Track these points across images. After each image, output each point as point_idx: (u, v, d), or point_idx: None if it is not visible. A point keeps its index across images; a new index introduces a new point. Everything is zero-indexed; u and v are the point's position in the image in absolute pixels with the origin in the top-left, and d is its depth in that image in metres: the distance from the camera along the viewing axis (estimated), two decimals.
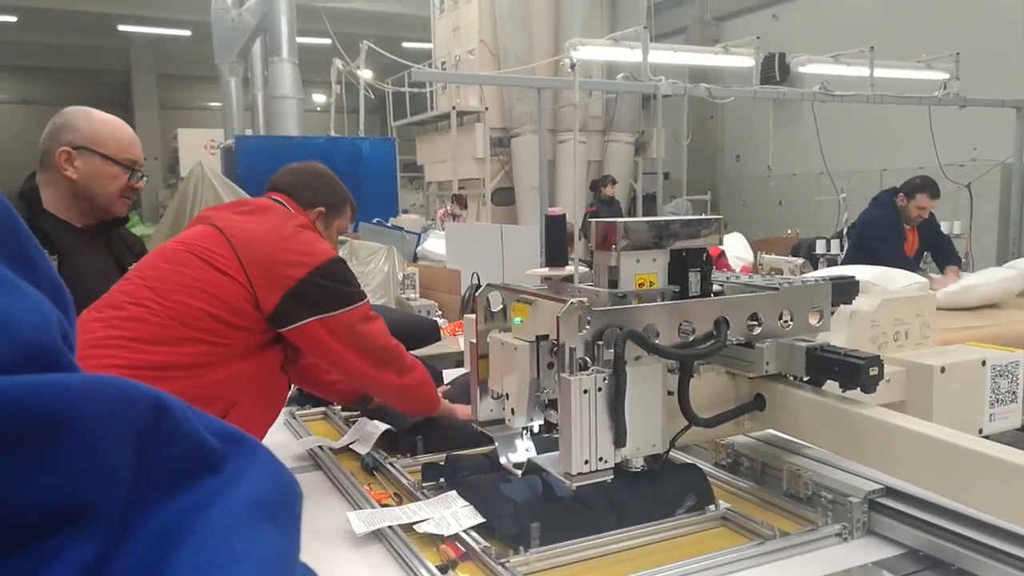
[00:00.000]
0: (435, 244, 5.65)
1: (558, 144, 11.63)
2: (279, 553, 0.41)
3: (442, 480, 1.48)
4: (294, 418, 2.09)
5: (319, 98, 19.13)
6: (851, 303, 1.65)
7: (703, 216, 1.26)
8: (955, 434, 1.17)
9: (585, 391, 1.12)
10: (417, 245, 6.14)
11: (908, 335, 1.66)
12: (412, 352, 2.26)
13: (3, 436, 0.33)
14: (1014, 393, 1.63)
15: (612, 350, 1.14)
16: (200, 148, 13.57)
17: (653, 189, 12.36)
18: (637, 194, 12.31)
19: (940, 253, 4.52)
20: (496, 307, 1.40)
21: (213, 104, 13.77)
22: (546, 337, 1.27)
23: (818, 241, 5.54)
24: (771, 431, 1.49)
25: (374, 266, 3.99)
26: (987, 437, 1.61)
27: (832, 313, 1.67)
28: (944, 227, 5.18)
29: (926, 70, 8.12)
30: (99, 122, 1.87)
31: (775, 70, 11.41)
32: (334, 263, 1.63)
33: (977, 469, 1.11)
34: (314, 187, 1.81)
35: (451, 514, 1.29)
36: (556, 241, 1.35)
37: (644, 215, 11.72)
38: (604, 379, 1.14)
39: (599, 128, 11.88)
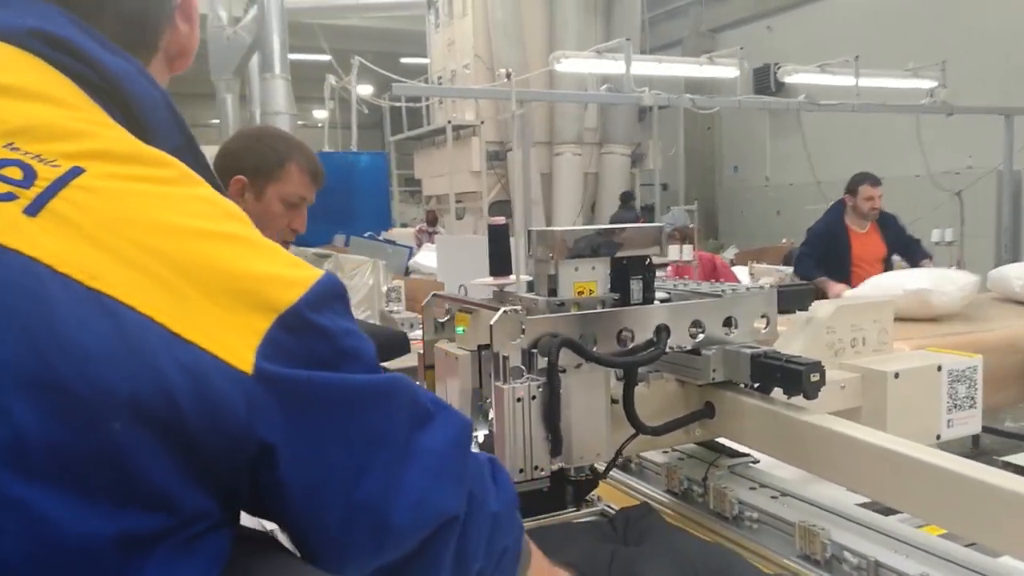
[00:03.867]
0: (426, 257, 5.67)
1: (554, 157, 11.67)
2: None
3: None
4: None
5: (320, 114, 19.28)
6: (807, 309, 1.65)
7: (644, 224, 1.26)
8: (892, 440, 1.16)
9: (519, 399, 1.12)
10: (409, 258, 6.16)
11: (865, 341, 1.65)
12: (382, 364, 2.26)
13: None
14: (972, 399, 1.62)
15: (547, 358, 1.14)
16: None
17: (651, 200, 12.41)
18: (636, 205, 12.35)
19: (908, 251, 4.62)
20: (443, 318, 1.40)
21: (214, 121, 13.86)
22: (488, 346, 1.26)
23: None
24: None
25: (359, 279, 3.99)
26: (944, 444, 1.59)
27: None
28: (935, 234, 5.18)
29: (913, 78, 8.14)
30: None
31: (770, 81, 11.45)
32: None
33: (912, 475, 1.10)
34: (237, 153, 1.65)
35: None
36: (500, 250, 1.35)
37: None
38: (539, 387, 1.13)
39: (595, 140, 11.92)
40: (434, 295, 1.40)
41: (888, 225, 4.62)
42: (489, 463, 0.73)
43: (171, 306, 0.53)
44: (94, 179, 0.56)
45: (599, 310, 1.24)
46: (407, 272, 5.77)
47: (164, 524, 0.52)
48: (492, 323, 1.13)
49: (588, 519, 1.32)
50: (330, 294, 0.62)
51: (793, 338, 1.62)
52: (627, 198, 11.05)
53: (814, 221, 4.83)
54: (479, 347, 1.27)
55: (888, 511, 1.28)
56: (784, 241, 7.93)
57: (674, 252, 5.05)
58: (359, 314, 3.70)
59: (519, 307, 1.17)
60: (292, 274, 0.60)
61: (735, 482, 1.38)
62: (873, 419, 1.54)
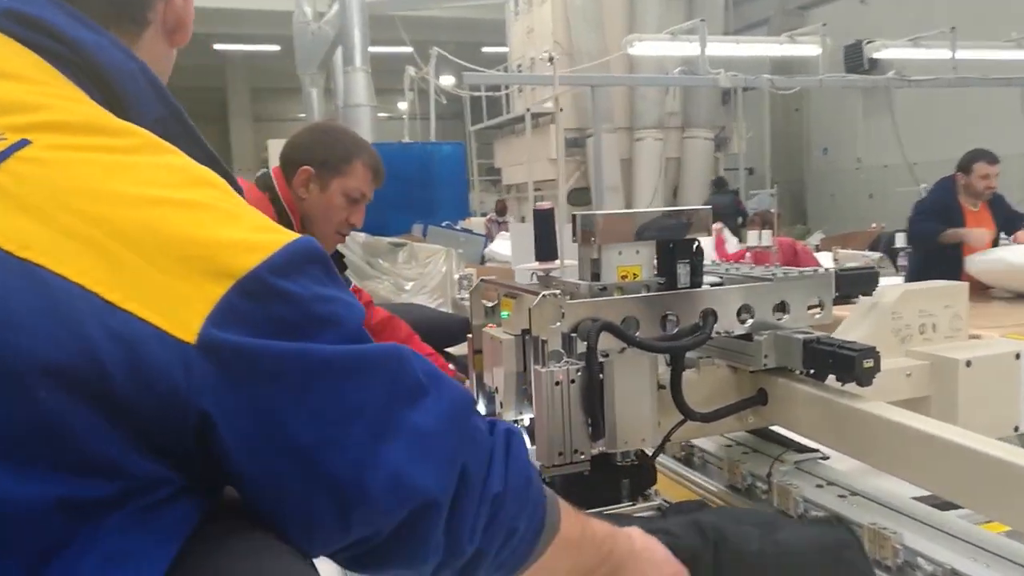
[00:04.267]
0: (501, 245, 5.71)
1: (635, 142, 11.51)
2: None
3: None
4: None
5: (404, 106, 19.60)
6: (871, 294, 1.58)
7: (689, 207, 1.24)
8: (949, 429, 1.11)
9: (557, 383, 1.12)
10: (485, 247, 6.21)
11: (936, 327, 1.57)
12: (447, 350, 2.29)
13: None
14: None
15: (586, 342, 1.14)
16: None
17: (736, 185, 12.09)
18: (731, 190, 12.06)
19: (1010, 224, 4.39)
20: (492, 303, 1.41)
21: (301, 115, 14.31)
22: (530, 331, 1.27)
23: (897, 235, 5.28)
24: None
25: (432, 267, 4.06)
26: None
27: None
28: None
29: (1016, 49, 7.60)
30: None
31: (862, 58, 10.94)
32: None
33: (969, 467, 1.05)
34: (307, 145, 1.71)
35: None
36: (546, 235, 1.35)
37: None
38: (578, 371, 1.13)
39: (677, 124, 11.68)
40: (482, 280, 1.41)
41: (997, 204, 4.42)
42: (505, 436, 0.70)
43: (107, 274, 0.53)
44: (40, 150, 0.57)
45: (642, 294, 1.22)
46: (483, 261, 5.82)
47: (113, 490, 0.52)
48: (531, 307, 1.14)
49: (642, 515, 1.31)
50: (303, 258, 0.60)
51: (856, 324, 1.56)
52: (720, 184, 10.83)
53: (907, 204, 4.61)
54: (523, 331, 1.27)
55: (948, 504, 1.22)
56: (874, 226, 7.59)
57: (753, 238, 4.91)
58: (431, 302, 3.76)
59: (559, 291, 1.17)
60: (256, 239, 0.58)
61: (801, 478, 1.31)
62: (943, 409, 1.47)
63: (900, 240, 5.19)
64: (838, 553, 1.05)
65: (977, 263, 4.00)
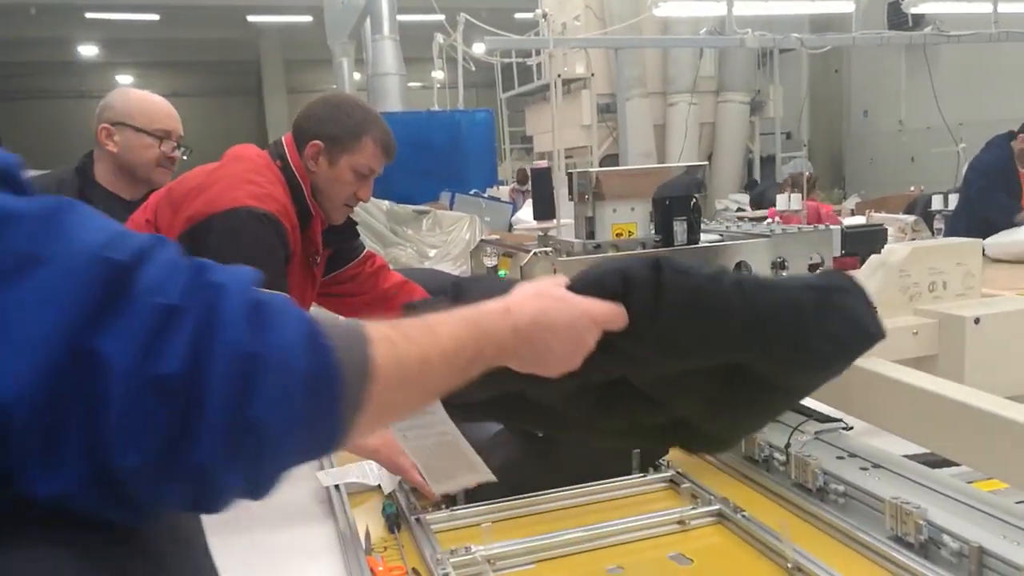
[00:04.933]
0: (527, 213, 5.70)
1: (668, 107, 11.33)
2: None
3: None
4: None
5: (438, 75, 19.54)
6: (879, 252, 1.56)
7: (683, 163, 1.23)
8: (944, 384, 1.10)
9: None
10: (512, 215, 6.21)
11: (947, 286, 1.54)
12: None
13: None
14: None
15: None
16: None
17: (771, 150, 11.85)
18: (754, 156, 11.83)
19: None
20: (491, 262, 1.42)
21: (333, 86, 14.35)
22: None
23: (934, 197, 5.14)
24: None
25: (456, 234, 4.08)
26: None
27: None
28: None
29: None
30: (133, 99, 2.03)
31: (906, 15, 10.57)
32: (231, 216, 1.51)
33: (963, 423, 1.04)
34: (319, 118, 1.70)
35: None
36: (543, 194, 1.36)
37: (761, 177, 11.28)
38: None
39: (711, 89, 11.46)
40: (481, 240, 1.42)
41: None
42: (249, 309, 0.54)
43: None
44: None
45: (637, 251, 1.22)
46: (510, 228, 5.82)
47: None
48: (522, 265, 1.15)
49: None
50: None
51: (865, 282, 1.54)
52: None
53: (946, 165, 4.42)
54: None
55: (945, 462, 1.21)
56: (912, 189, 7.39)
57: (782, 201, 4.83)
58: (454, 269, 3.78)
59: (552, 249, 1.18)
60: None
61: (821, 450, 1.25)
62: (950, 368, 1.46)
63: (937, 202, 5.06)
64: (825, 296, 0.87)
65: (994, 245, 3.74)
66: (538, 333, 0.73)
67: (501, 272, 1.31)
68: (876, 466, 1.18)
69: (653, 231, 1.27)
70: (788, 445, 1.27)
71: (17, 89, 20.33)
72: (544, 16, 7.96)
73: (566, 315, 0.75)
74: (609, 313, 0.77)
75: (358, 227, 1.92)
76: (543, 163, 1.35)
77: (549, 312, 0.75)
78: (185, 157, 2.11)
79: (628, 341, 0.78)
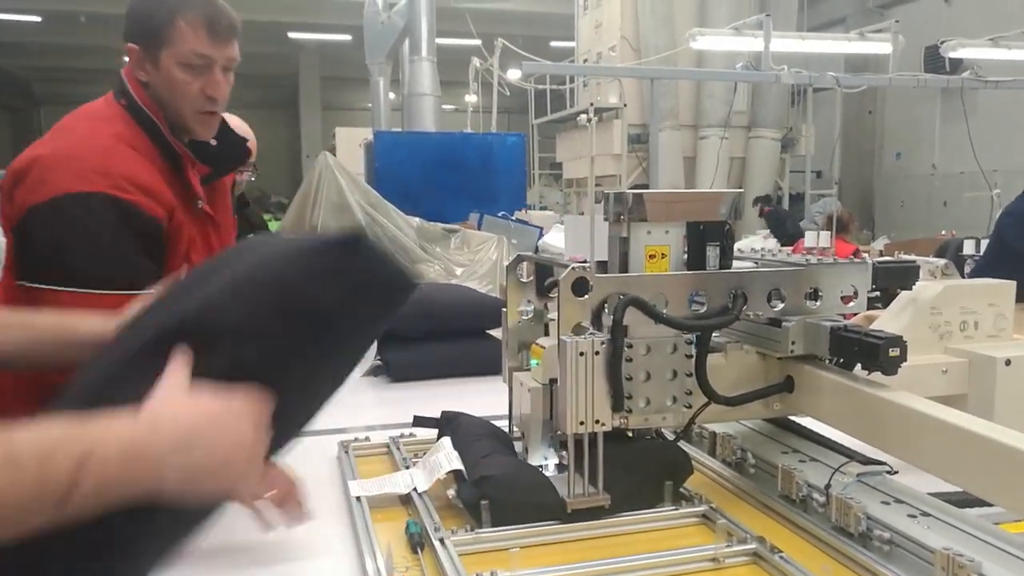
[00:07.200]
0: (555, 237, 5.73)
1: (699, 140, 11.38)
2: None
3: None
4: (346, 452, 1.53)
5: (472, 99, 19.87)
6: (911, 288, 1.56)
7: (719, 190, 1.25)
8: (978, 423, 1.10)
9: (581, 353, 1.15)
10: (539, 239, 6.24)
11: (978, 326, 1.54)
12: (488, 332, 2.32)
13: None
14: None
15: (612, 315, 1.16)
16: (355, 145, 14.44)
17: (801, 188, 11.82)
18: (784, 192, 11.82)
19: None
20: (527, 278, 1.45)
21: (368, 105, 14.59)
22: (555, 381, 1.21)
23: (966, 241, 5.10)
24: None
25: (483, 254, 4.12)
26: None
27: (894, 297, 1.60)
28: None
29: None
30: None
31: (944, 59, 10.56)
32: (62, 202, 1.28)
33: (999, 462, 1.04)
34: (128, 18, 1.45)
35: (443, 456, 1.30)
36: None
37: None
38: (602, 343, 1.16)
39: (743, 124, 11.50)
40: (518, 256, 1.45)
41: None
42: None
43: None
44: None
45: (670, 272, 1.24)
46: (536, 252, 5.86)
47: None
48: (560, 279, 1.17)
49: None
50: None
51: (893, 319, 1.54)
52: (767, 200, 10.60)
53: (978, 210, 4.39)
54: (551, 381, 1.26)
55: (975, 502, 1.20)
56: (944, 233, 7.34)
57: (811, 238, 4.82)
58: (481, 287, 3.81)
59: (588, 265, 1.20)
60: None
61: (864, 493, 1.19)
62: (980, 408, 1.45)
63: (969, 247, 5.02)
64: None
65: None
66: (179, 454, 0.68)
67: (533, 361, 1.31)
68: (925, 514, 1.13)
69: (686, 255, 1.29)
70: (828, 486, 1.20)
71: (65, 95, 20.83)
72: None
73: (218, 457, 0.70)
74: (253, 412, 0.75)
75: (248, 143, 1.70)
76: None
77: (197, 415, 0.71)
78: (253, 178, 2.10)
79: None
